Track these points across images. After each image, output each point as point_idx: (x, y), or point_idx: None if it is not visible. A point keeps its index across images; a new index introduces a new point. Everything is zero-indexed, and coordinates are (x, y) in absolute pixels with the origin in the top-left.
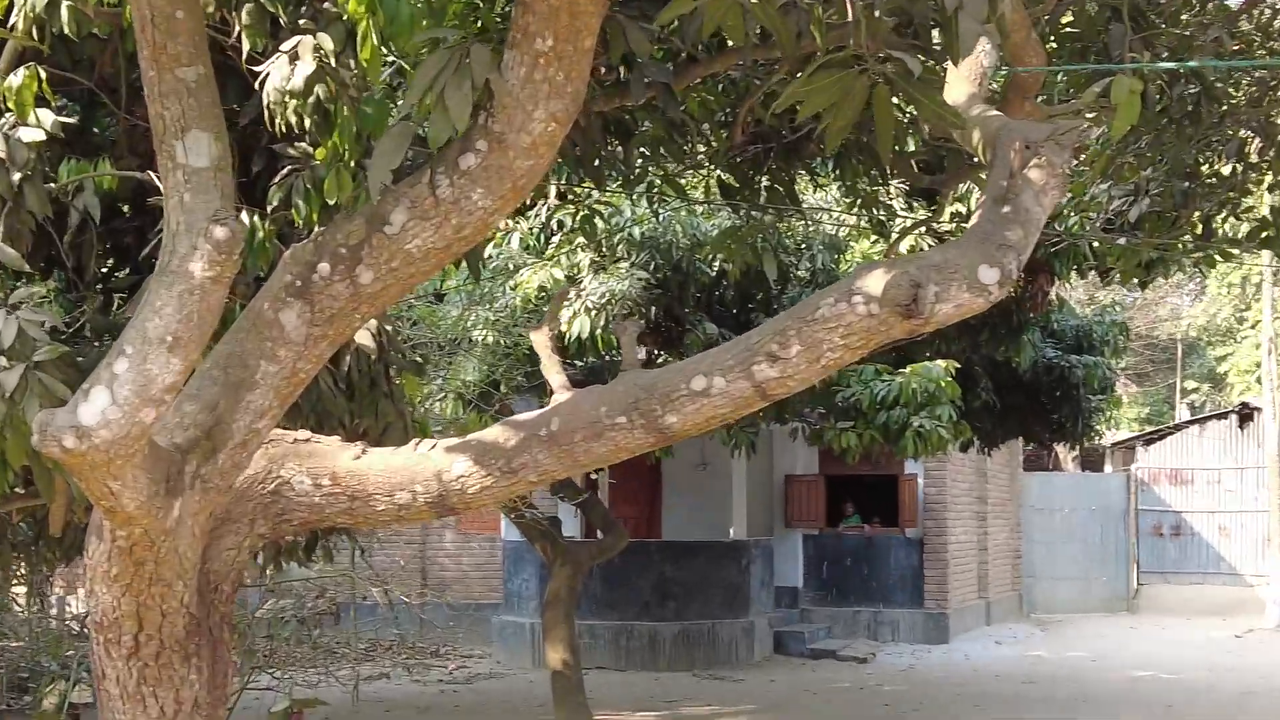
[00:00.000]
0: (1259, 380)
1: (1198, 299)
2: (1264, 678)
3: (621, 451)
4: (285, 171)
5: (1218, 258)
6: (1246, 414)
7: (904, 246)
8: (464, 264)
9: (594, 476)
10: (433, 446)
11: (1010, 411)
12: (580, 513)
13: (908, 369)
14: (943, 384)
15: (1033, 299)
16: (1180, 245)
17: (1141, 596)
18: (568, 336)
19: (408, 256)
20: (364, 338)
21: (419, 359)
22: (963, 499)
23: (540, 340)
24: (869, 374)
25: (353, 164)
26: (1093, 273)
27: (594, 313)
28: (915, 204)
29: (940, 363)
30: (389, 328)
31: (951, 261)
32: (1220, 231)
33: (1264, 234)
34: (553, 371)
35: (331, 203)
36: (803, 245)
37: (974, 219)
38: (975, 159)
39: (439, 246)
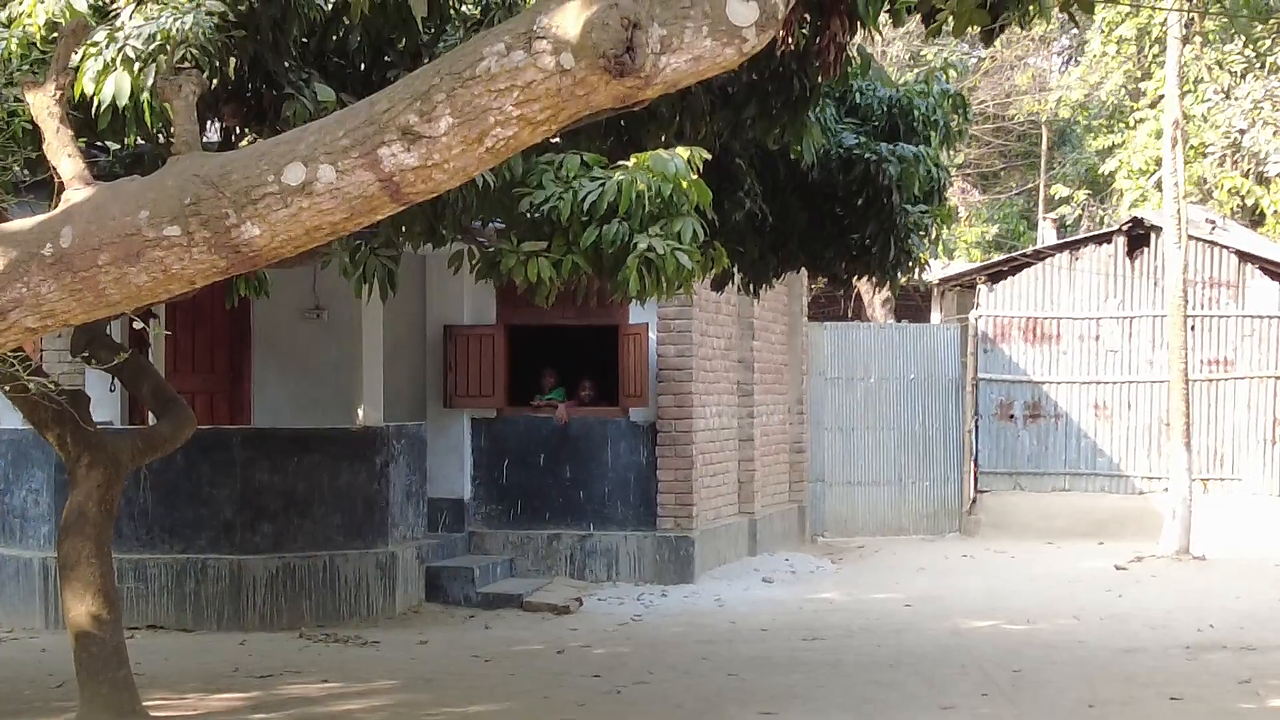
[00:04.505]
0: (1158, 186)
1: (1072, 62)
2: (1155, 628)
3: (174, 281)
4: None
5: None
6: (1139, 235)
7: None
8: None
9: (141, 326)
10: None
11: (789, 229)
12: (119, 384)
13: (631, 161)
14: (685, 185)
15: (823, 55)
16: None
17: (981, 510)
18: (95, 101)
19: None
20: None
21: None
22: (717, 363)
23: (42, 104)
24: (572, 167)
25: None
26: (914, 16)
27: (137, 64)
28: None
29: (682, 152)
30: None
31: None
32: None
33: None
34: (63, 154)
35: None
36: None
37: None
38: None
39: None
